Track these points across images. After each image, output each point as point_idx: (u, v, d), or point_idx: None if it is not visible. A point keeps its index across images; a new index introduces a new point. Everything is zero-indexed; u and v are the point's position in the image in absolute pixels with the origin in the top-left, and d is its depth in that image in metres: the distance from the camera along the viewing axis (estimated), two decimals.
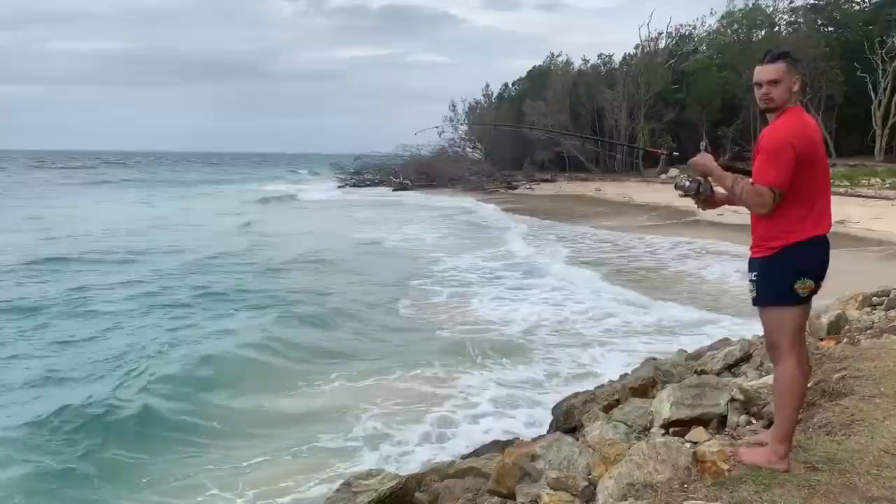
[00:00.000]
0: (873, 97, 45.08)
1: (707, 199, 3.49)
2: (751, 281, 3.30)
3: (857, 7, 52.72)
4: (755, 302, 3.32)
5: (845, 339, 6.35)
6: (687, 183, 3.39)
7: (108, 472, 6.85)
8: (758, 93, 3.31)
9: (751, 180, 3.20)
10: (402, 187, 59.88)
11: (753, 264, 3.30)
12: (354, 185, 65.55)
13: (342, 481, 5.71)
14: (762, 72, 3.28)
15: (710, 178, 3.37)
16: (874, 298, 9.12)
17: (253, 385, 9.51)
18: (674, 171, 55.70)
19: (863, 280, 10.32)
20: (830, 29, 52.85)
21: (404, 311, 13.96)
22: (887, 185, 35.61)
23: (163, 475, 6.80)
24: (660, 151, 4.26)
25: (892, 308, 8.32)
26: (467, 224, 31.45)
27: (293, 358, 10.70)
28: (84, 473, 6.76)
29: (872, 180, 36.59)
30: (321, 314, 13.36)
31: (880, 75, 44.60)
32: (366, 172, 72.79)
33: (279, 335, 11.62)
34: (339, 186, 65.39)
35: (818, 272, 3.23)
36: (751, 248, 3.36)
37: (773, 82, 3.24)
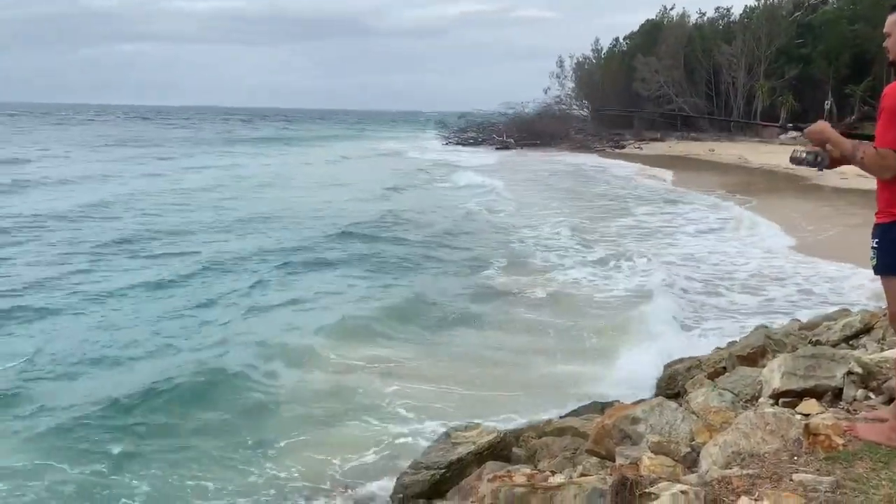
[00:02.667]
0: None
1: (825, 168, 3.27)
2: (872, 248, 3.10)
3: None
4: (875, 270, 3.11)
5: None
6: (803, 155, 3.17)
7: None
8: (887, 43, 3.05)
9: (873, 144, 2.98)
10: (504, 146, 59.41)
11: (876, 231, 3.10)
12: (458, 144, 65.55)
13: (442, 431, 5.87)
14: (889, 22, 3.03)
15: (827, 147, 3.12)
16: None
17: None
18: (793, 133, 52.59)
19: None
20: None
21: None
22: None
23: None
24: (777, 125, 3.91)
25: None
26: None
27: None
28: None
29: None
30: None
31: None
32: (469, 130, 72.61)
33: None
34: (444, 144, 65.61)
35: None
36: (875, 213, 3.15)
37: (889, 33, 3.00)
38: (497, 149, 58.58)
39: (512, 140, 61.20)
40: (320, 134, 76.24)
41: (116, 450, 6.49)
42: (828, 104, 52.72)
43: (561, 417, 6.45)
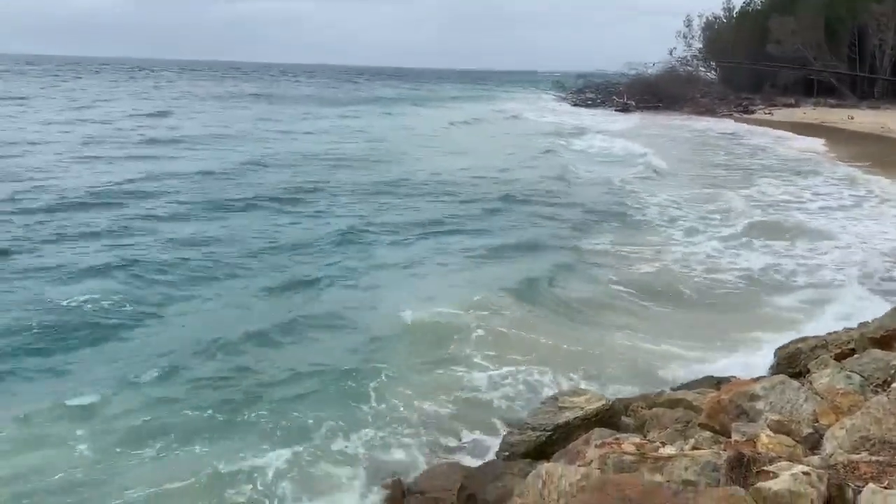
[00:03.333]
0: None
1: None
2: None
3: None
4: None
5: None
6: None
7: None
8: None
9: None
10: (624, 108, 57.54)
11: None
12: (575, 105, 64.12)
13: (550, 395, 5.89)
14: None
15: None
16: None
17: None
18: None
19: None
20: None
21: None
22: None
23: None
24: None
25: None
26: None
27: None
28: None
29: None
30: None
31: None
32: (588, 91, 70.86)
33: None
34: (560, 105, 64.42)
35: None
36: None
37: None
38: (616, 111, 56.85)
39: (632, 102, 59.12)
40: (443, 95, 75.98)
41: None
42: None
43: (673, 390, 6.32)
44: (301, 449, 5.81)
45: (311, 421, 6.29)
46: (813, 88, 58.07)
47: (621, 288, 10.49)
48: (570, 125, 41.07)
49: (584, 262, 11.81)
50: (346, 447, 5.95)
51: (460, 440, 6.14)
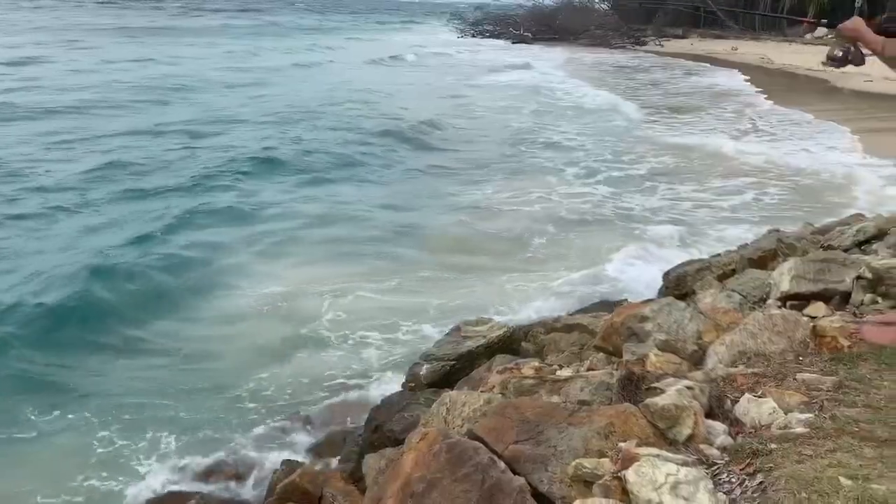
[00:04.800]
0: None
1: (859, 65, 3.20)
2: None
3: None
4: None
5: None
6: (839, 53, 3.10)
7: None
8: None
9: None
10: (521, 40, 57.67)
11: None
12: (473, 37, 63.73)
13: (452, 325, 6.01)
14: None
15: (859, 45, 3.06)
16: None
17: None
18: (821, 31, 50.71)
19: None
20: None
21: None
22: None
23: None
24: (806, 21, 3.80)
25: None
26: None
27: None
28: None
29: None
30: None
31: None
32: (486, 23, 70.40)
33: None
34: (459, 37, 63.84)
35: None
36: None
37: None
38: (513, 42, 56.94)
39: (529, 34, 59.31)
40: (328, 25, 73.53)
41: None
42: (859, 2, 50.41)
43: (570, 314, 6.58)
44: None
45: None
46: (700, 19, 59.72)
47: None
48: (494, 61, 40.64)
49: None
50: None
51: (362, 381, 6.26)
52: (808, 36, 50.03)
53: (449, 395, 3.66)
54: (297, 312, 7.64)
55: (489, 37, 62.92)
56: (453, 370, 5.39)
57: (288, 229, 10.34)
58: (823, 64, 3.32)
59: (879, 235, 6.38)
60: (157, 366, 6.69)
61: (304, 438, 5.64)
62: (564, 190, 12.37)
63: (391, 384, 6.00)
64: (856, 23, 3.09)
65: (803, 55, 38.37)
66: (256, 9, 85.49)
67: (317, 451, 5.46)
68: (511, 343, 5.59)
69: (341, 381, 6.32)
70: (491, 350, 5.40)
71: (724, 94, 26.36)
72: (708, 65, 38.26)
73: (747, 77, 31.60)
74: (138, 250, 9.10)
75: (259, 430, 5.68)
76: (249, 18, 74.40)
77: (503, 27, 65.50)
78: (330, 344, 7.04)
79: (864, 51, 3.18)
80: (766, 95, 25.47)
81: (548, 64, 37.05)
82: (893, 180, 11.92)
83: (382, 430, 4.78)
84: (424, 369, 5.47)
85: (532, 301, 7.84)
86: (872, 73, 26.84)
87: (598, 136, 17.59)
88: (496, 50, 48.74)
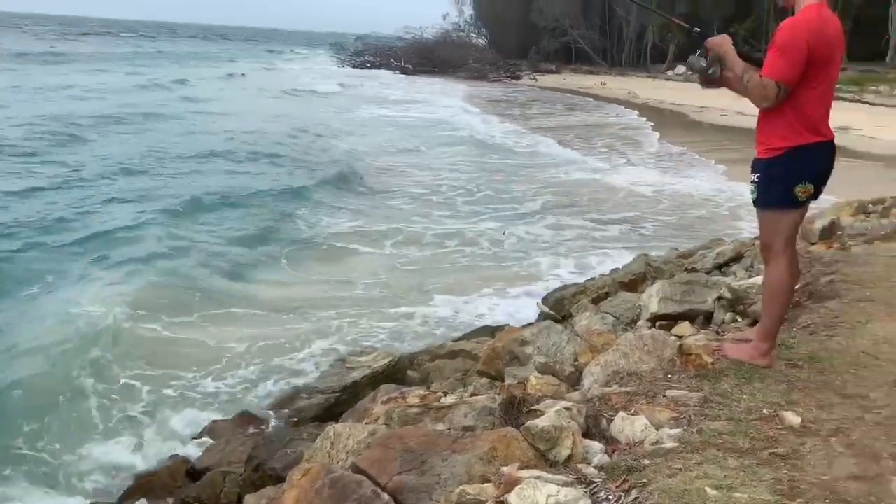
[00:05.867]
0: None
1: (714, 82, 3.28)
2: (752, 182, 3.25)
3: None
4: (755, 203, 3.28)
5: (836, 245, 6.41)
6: (703, 63, 3.22)
7: None
8: None
9: (760, 72, 3.09)
10: (402, 71, 58.59)
11: (757, 165, 3.24)
12: (353, 67, 64.10)
13: (336, 357, 5.92)
14: None
15: (721, 63, 3.18)
16: (869, 206, 9.16)
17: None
18: (681, 69, 54.48)
19: (859, 187, 10.32)
20: None
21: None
22: (895, 94, 35.00)
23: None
24: (685, 24, 3.77)
25: (886, 217, 8.37)
26: None
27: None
28: None
29: (880, 87, 35.89)
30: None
31: None
32: (366, 54, 71.03)
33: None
34: (339, 67, 64.00)
35: (819, 177, 3.19)
36: (756, 148, 3.31)
37: None
38: (394, 73, 57.76)
39: (410, 66, 60.35)
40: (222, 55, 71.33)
41: None
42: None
43: (454, 341, 6.63)
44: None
45: None
46: (572, 55, 62.77)
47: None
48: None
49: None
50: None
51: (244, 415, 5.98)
52: (669, 72, 53.64)
53: (333, 428, 3.59)
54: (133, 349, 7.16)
55: (370, 67, 63.45)
56: (338, 402, 5.30)
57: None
58: (688, 72, 3.44)
59: (737, 258, 6.86)
60: None
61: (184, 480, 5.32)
62: (448, 223, 12.39)
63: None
64: (724, 39, 3.20)
65: (665, 91, 41.11)
66: (146, 36, 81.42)
67: (195, 496, 5.17)
68: (396, 372, 5.56)
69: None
70: (376, 380, 5.35)
71: (603, 126, 27.69)
72: (590, 99, 40.17)
73: (628, 110, 33.44)
74: None
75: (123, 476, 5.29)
76: (133, 46, 71.69)
77: (384, 59, 66.34)
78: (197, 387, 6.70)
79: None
80: (640, 127, 27.03)
81: (449, 99, 37.28)
82: (750, 206, 12.90)
83: (263, 468, 4.60)
84: (307, 403, 5.34)
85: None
86: (727, 108, 29.10)
87: (488, 169, 17.89)
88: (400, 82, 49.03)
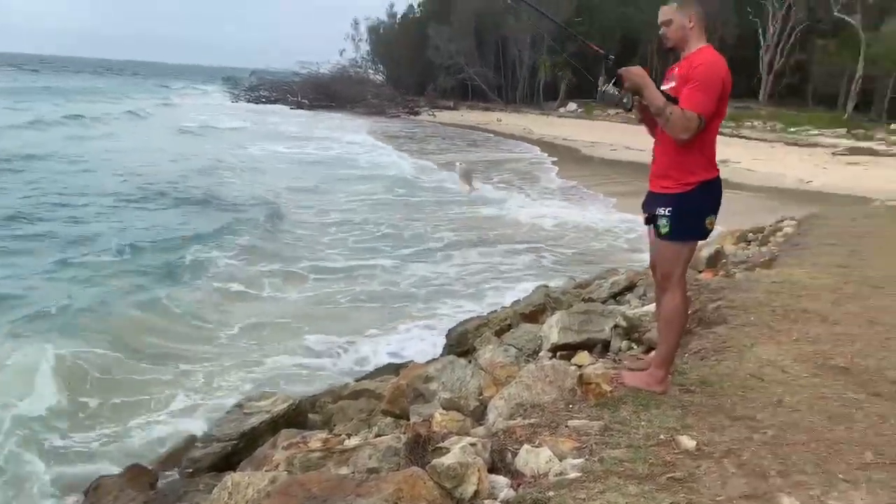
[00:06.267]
0: (762, 42, 47.02)
1: (627, 111, 3.43)
2: (662, 216, 3.32)
3: None
4: (666, 236, 3.35)
5: (721, 272, 6.76)
6: (615, 93, 3.30)
7: None
8: (666, 32, 3.35)
9: (679, 105, 3.19)
10: (298, 106, 58.24)
11: (666, 199, 3.32)
12: (248, 102, 63.16)
13: (234, 403, 5.68)
14: (660, 13, 3.36)
15: (639, 93, 3.27)
16: (749, 235, 9.76)
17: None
18: (572, 105, 56.70)
19: (740, 217, 10.95)
20: None
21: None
22: (768, 129, 37.75)
23: None
24: (600, 50, 3.81)
25: (765, 244, 8.91)
26: None
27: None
28: None
29: (755, 122, 38.62)
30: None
31: (770, 21, 46.45)
32: (261, 89, 70.15)
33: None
34: (233, 102, 62.90)
35: (717, 209, 3.39)
36: (654, 182, 3.40)
37: (666, 22, 3.31)
38: (291, 108, 57.30)
39: (306, 101, 60.05)
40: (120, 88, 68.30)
41: None
42: (601, 80, 57.17)
43: (357, 381, 6.51)
44: None
45: None
46: (468, 92, 64.20)
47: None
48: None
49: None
50: None
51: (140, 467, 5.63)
52: (561, 109, 55.73)
53: (231, 477, 3.42)
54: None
55: (265, 102, 62.68)
56: (236, 450, 5.07)
57: None
58: (600, 101, 3.42)
59: (630, 287, 7.12)
60: None
61: None
62: (347, 260, 12.20)
63: None
64: (641, 71, 3.30)
65: (558, 126, 42.64)
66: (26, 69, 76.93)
67: None
68: (297, 416, 5.39)
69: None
70: (276, 425, 5.16)
71: (505, 161, 28.26)
72: (489, 134, 41.01)
73: (527, 145, 34.35)
74: None
75: None
76: (10, 79, 67.83)
77: (280, 94, 65.69)
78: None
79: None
80: (540, 162, 27.82)
81: (350, 135, 37.00)
82: (641, 237, 13.57)
83: None
84: (203, 452, 5.09)
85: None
86: (617, 143, 30.45)
87: (391, 205, 17.85)
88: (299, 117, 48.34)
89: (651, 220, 3.45)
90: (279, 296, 10.15)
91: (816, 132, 37.26)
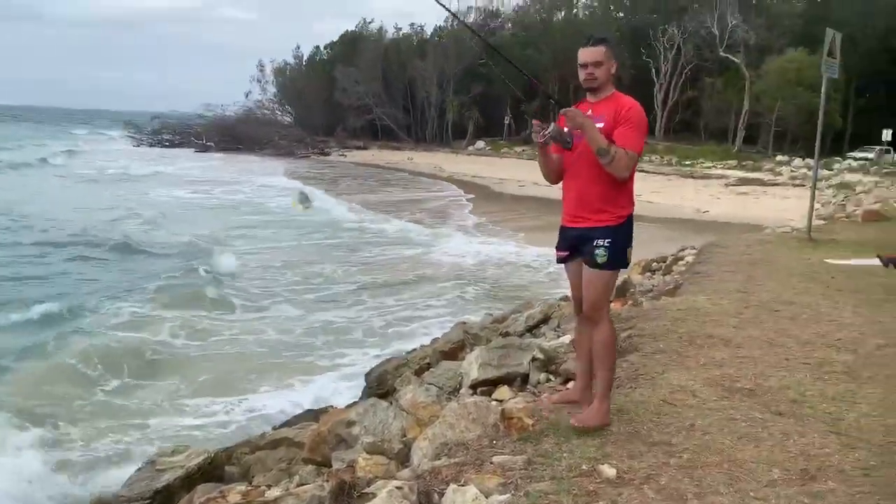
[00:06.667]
0: (655, 81, 49.59)
1: (569, 150, 3.49)
2: (601, 247, 3.44)
3: None
4: (603, 266, 3.47)
5: (630, 302, 7.01)
6: (562, 132, 3.39)
7: None
8: (582, 73, 3.48)
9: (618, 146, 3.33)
10: (204, 149, 57.01)
11: (604, 231, 3.44)
12: (151, 146, 61.39)
13: (145, 460, 5.42)
14: (587, 53, 3.46)
15: (583, 131, 3.36)
16: (653, 264, 10.17)
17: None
18: (480, 144, 57.95)
19: (644, 248, 11.37)
20: (621, 14, 57.27)
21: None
22: (664, 162, 39.67)
23: None
24: (541, 88, 3.99)
25: (668, 273, 9.30)
26: None
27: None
28: None
29: (652, 157, 40.51)
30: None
31: (661, 61, 49.14)
32: (164, 132, 68.36)
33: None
34: (135, 146, 61.01)
35: None
36: (583, 218, 3.49)
37: (597, 64, 3.44)
38: (195, 151, 56.04)
39: (212, 144, 58.91)
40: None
41: None
42: (507, 119, 58.96)
43: (275, 429, 6.34)
44: None
45: None
46: (378, 132, 64.65)
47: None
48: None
49: None
50: None
51: None
52: (470, 148, 56.83)
53: None
54: None
55: (169, 146, 61.06)
56: None
57: None
58: (542, 137, 3.45)
59: (545, 320, 7.26)
60: None
61: None
62: (250, 313, 11.72)
63: None
64: (580, 111, 3.41)
65: (467, 164, 43.40)
66: None
67: None
68: (214, 469, 5.18)
69: None
70: (191, 480, 4.94)
71: (421, 200, 28.41)
72: (404, 173, 41.24)
73: (440, 183, 34.69)
74: None
75: None
76: None
77: (184, 137, 64.19)
78: None
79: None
80: (456, 199, 28.16)
81: (259, 177, 36.33)
82: (557, 270, 13.93)
83: None
84: None
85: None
86: (525, 179, 31.25)
87: (306, 250, 17.52)
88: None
89: (572, 255, 3.60)
90: (176, 349, 9.70)
91: (710, 164, 39.48)
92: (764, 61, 43.45)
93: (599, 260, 3.46)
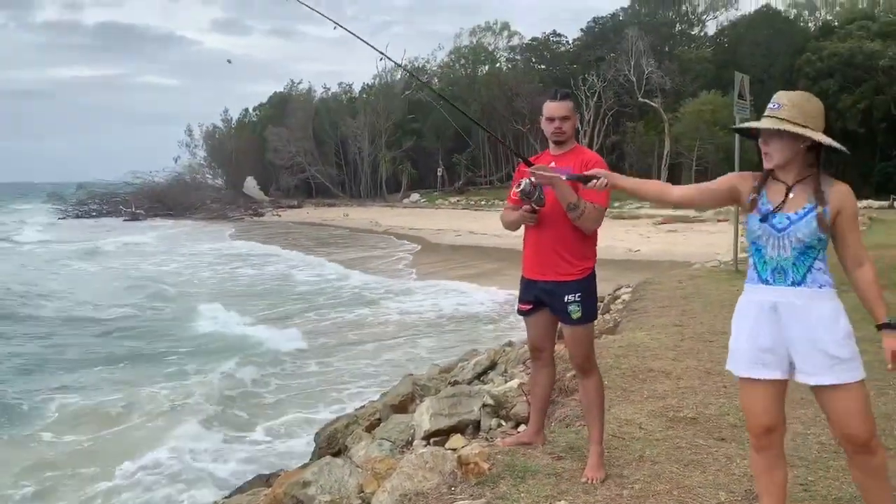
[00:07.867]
0: (579, 127, 51.28)
1: (540, 206, 3.48)
2: (574, 303, 3.49)
3: (563, 48, 59.94)
4: (579, 321, 3.52)
5: None
6: (535, 190, 3.38)
7: None
8: (549, 126, 3.56)
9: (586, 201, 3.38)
10: (134, 217, 55.76)
11: (572, 286, 3.50)
12: (77, 217, 59.68)
13: None
14: (556, 108, 3.54)
15: (555, 189, 3.36)
16: None
17: None
18: (415, 196, 58.52)
19: None
20: (542, 66, 59.36)
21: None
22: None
23: None
24: (504, 144, 4.03)
25: (607, 312, 9.57)
26: None
27: None
28: None
29: None
30: None
31: (584, 108, 50.91)
32: (90, 202, 66.67)
33: None
34: (61, 218, 59.14)
35: None
36: (548, 271, 3.53)
37: (564, 118, 3.56)
38: (125, 220, 54.73)
39: (142, 211, 57.73)
40: None
41: None
42: (440, 171, 59.88)
43: (226, 498, 6.20)
44: None
45: None
46: (312, 189, 64.63)
47: None
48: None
49: None
50: None
51: None
52: (405, 201, 57.28)
53: None
54: None
55: (96, 216, 59.46)
56: None
57: None
58: (517, 195, 3.45)
59: (492, 366, 7.37)
60: None
61: None
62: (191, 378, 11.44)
63: None
64: (545, 165, 3.45)
65: (403, 217, 43.65)
66: None
67: None
68: None
69: None
70: None
71: (364, 258, 28.08)
72: (342, 230, 41.01)
73: (377, 237, 34.66)
74: None
75: None
76: None
77: (112, 206, 62.75)
78: None
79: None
80: (394, 253, 28.18)
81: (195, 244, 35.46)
82: (498, 316, 14.24)
83: None
84: None
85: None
86: (461, 228, 31.63)
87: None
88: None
89: (535, 308, 3.64)
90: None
91: (638, 205, 40.74)
92: (681, 104, 45.52)
93: (574, 316, 3.50)
